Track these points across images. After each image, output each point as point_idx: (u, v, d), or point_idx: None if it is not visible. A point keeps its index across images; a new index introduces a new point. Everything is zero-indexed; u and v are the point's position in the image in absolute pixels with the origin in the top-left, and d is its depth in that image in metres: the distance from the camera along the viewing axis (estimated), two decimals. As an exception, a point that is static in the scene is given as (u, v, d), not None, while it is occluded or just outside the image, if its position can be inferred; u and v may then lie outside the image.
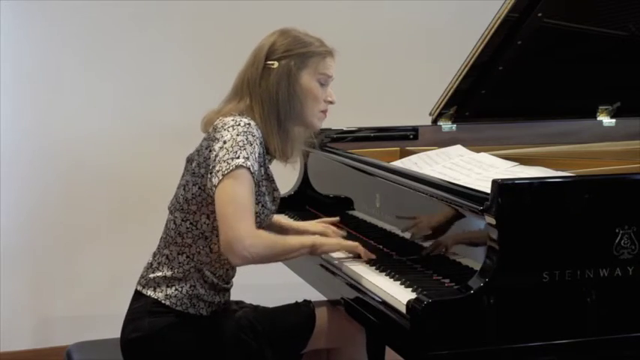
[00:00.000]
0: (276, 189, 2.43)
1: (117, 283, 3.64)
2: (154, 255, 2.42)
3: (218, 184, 2.22)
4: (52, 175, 3.81)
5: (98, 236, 3.89)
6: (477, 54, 2.98)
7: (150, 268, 2.40)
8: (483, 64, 3.02)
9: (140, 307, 2.37)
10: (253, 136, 2.27)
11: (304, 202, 3.13)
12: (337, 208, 2.92)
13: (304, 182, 3.17)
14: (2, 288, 3.75)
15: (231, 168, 2.21)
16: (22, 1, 3.69)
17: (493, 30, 2.91)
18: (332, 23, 4.12)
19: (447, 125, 3.22)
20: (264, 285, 3.51)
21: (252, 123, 2.29)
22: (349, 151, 2.96)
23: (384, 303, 2.18)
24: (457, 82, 3.07)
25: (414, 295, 2.10)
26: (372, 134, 3.21)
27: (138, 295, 2.40)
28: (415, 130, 3.22)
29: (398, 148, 3.17)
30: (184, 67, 3.89)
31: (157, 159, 3.82)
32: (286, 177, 3.23)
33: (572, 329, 2.08)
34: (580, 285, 2.07)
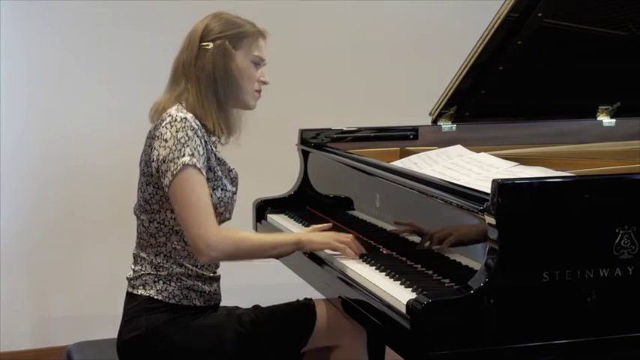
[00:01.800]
0: (230, 169, 2.45)
1: (117, 283, 3.62)
2: (134, 257, 2.43)
3: (170, 184, 2.27)
4: (52, 176, 3.81)
5: (98, 236, 3.89)
6: (477, 54, 2.98)
7: (134, 271, 2.42)
8: (483, 64, 3.02)
9: (135, 306, 2.37)
10: (192, 129, 2.29)
11: (304, 202, 3.14)
12: (337, 208, 2.92)
13: (304, 182, 3.17)
14: (3, 288, 3.76)
15: (178, 168, 2.25)
16: (22, 2, 3.70)
17: (493, 30, 2.91)
18: (332, 23, 4.13)
19: (447, 125, 3.22)
20: (264, 285, 3.51)
21: (188, 116, 2.32)
22: (349, 151, 2.96)
23: (384, 303, 2.18)
24: (457, 82, 3.07)
25: (414, 295, 2.10)
26: (372, 134, 3.21)
27: (130, 297, 2.41)
28: (415, 130, 3.22)
29: (398, 148, 3.17)
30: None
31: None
32: (286, 177, 3.24)
33: (572, 329, 2.08)
34: (580, 285, 2.07)
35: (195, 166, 2.26)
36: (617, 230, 2.09)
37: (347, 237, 2.48)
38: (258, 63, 2.45)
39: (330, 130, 3.17)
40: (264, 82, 2.48)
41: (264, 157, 3.71)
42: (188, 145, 2.27)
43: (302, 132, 3.18)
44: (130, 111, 3.83)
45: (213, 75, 2.38)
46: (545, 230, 2.06)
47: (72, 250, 3.86)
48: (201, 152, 2.30)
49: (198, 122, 2.34)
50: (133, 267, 2.43)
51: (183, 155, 2.26)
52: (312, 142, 3.15)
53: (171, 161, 2.26)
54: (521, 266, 2.04)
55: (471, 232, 2.18)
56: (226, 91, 2.39)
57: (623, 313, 2.12)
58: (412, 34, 4.21)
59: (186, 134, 2.28)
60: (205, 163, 2.32)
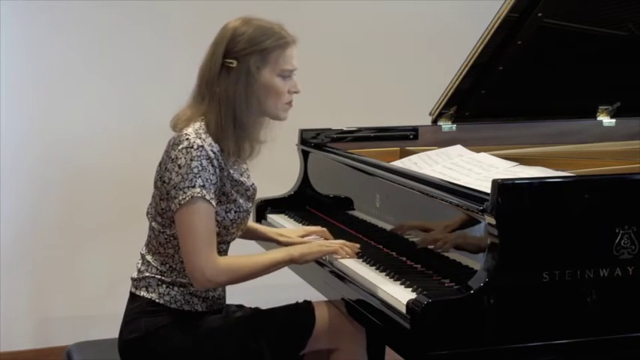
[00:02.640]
0: (248, 188, 2.42)
1: (117, 283, 3.64)
2: (142, 257, 2.43)
3: (176, 211, 2.26)
4: (52, 176, 3.81)
5: (98, 237, 3.88)
6: (476, 54, 2.98)
7: (139, 271, 2.41)
8: (483, 64, 3.03)
9: (136, 307, 2.37)
10: (207, 158, 2.26)
11: (304, 202, 3.13)
12: (337, 208, 2.92)
13: (304, 182, 3.17)
14: (3, 288, 3.76)
15: (187, 199, 2.24)
16: (22, 1, 3.69)
17: (493, 30, 2.92)
18: (332, 24, 4.13)
19: (447, 125, 3.22)
20: (264, 285, 3.49)
21: (206, 143, 2.27)
22: (349, 151, 2.96)
23: (384, 303, 2.18)
24: (457, 82, 3.07)
25: (414, 295, 2.10)
26: (372, 134, 3.21)
27: (132, 297, 2.41)
28: (415, 130, 3.22)
29: (398, 148, 3.17)
30: (186, 67, 3.86)
31: (158, 160, 3.81)
32: (286, 177, 3.24)
33: (572, 329, 2.08)
34: (580, 285, 2.07)
35: (204, 197, 2.24)
36: (617, 230, 2.09)
37: (337, 242, 2.50)
38: (288, 76, 2.38)
39: (330, 130, 3.17)
40: (296, 92, 2.41)
41: (264, 157, 3.70)
42: (200, 176, 2.24)
43: (302, 132, 3.18)
44: (131, 112, 3.84)
45: (233, 98, 2.31)
46: (545, 230, 2.07)
47: (72, 250, 3.86)
48: (214, 181, 2.28)
49: (216, 147, 2.30)
50: (138, 266, 2.42)
51: (194, 186, 2.24)
52: (312, 142, 3.15)
53: (181, 190, 2.24)
54: (521, 266, 2.04)
55: (471, 232, 2.18)
56: (243, 110, 2.32)
57: (623, 313, 2.12)
58: (412, 34, 4.21)
59: (200, 164, 2.25)
60: (217, 192, 2.30)
